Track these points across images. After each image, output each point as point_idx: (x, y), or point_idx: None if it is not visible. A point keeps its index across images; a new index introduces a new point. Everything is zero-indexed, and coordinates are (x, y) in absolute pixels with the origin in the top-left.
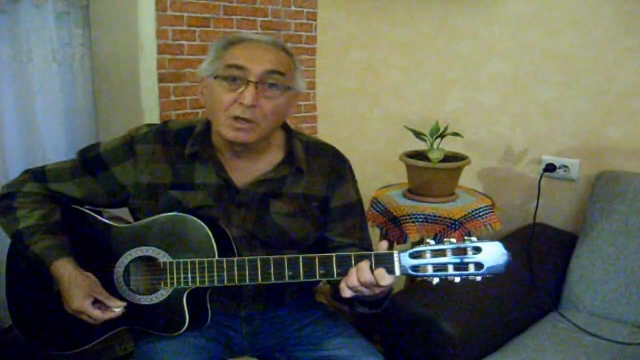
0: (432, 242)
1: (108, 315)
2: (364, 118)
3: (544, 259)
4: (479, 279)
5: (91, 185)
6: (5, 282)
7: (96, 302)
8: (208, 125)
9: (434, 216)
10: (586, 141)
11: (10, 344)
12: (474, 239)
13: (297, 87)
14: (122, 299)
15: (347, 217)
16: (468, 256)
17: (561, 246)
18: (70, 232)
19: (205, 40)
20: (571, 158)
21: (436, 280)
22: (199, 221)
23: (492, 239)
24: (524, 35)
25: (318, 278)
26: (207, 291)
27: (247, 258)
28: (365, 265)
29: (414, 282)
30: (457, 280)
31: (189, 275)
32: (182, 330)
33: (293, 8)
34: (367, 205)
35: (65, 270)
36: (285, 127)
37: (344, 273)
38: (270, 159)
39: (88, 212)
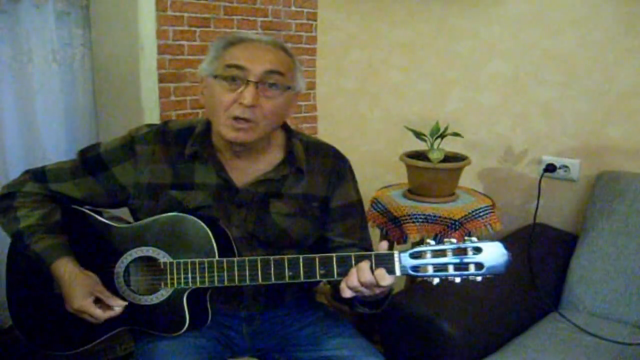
0: (432, 242)
1: (108, 314)
2: (364, 118)
3: (544, 259)
4: (479, 279)
5: (91, 185)
6: (5, 282)
7: (97, 301)
8: (208, 125)
9: (434, 216)
10: (586, 141)
11: (10, 344)
12: (474, 239)
13: (296, 87)
14: (122, 298)
15: (347, 217)
16: (468, 256)
17: (561, 246)
18: (70, 232)
19: (205, 40)
20: (571, 158)
21: (436, 280)
22: (199, 221)
23: (492, 239)
24: (524, 35)
25: (318, 278)
26: (207, 291)
27: (247, 258)
28: (365, 265)
29: (414, 282)
30: (457, 280)
31: (189, 275)
32: (182, 330)
33: (293, 8)
34: (367, 205)
35: (66, 269)
36: (285, 127)
37: (344, 273)
38: (270, 159)
39: (88, 212)
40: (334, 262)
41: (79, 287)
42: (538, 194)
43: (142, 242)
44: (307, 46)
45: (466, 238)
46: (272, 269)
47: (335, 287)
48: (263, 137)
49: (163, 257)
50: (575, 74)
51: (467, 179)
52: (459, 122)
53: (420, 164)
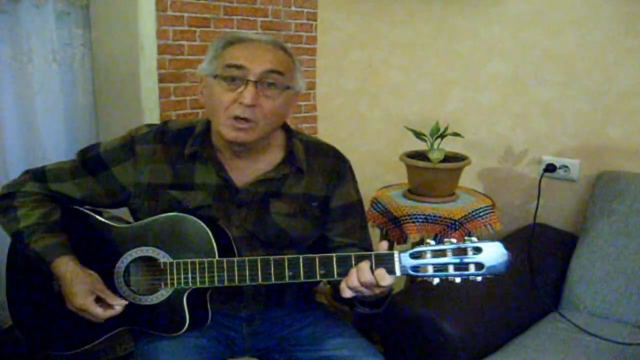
0: (432, 242)
1: (109, 313)
2: (364, 118)
3: (544, 259)
4: (479, 279)
5: (91, 185)
6: (5, 282)
7: (98, 300)
8: (208, 125)
9: (434, 216)
10: (586, 141)
11: (10, 344)
12: (474, 239)
13: (296, 87)
14: (122, 299)
15: (347, 217)
16: (468, 256)
17: (561, 246)
18: (70, 232)
19: (205, 40)
20: (571, 158)
21: (436, 280)
22: (199, 221)
23: (492, 239)
24: (524, 35)
25: (318, 278)
26: (207, 291)
27: (247, 258)
28: (365, 265)
29: (414, 282)
30: (457, 280)
31: (189, 275)
32: (183, 331)
33: (293, 8)
34: (367, 205)
35: (67, 267)
36: (285, 127)
37: (344, 273)
38: (270, 159)
39: (88, 212)
40: (334, 262)
41: (80, 286)
42: (538, 194)
43: (142, 242)
44: (307, 46)
45: (466, 238)
46: (272, 269)
47: (335, 287)
48: (263, 137)
49: (163, 257)
50: (575, 74)
51: (467, 179)
52: (459, 122)
53: (420, 164)
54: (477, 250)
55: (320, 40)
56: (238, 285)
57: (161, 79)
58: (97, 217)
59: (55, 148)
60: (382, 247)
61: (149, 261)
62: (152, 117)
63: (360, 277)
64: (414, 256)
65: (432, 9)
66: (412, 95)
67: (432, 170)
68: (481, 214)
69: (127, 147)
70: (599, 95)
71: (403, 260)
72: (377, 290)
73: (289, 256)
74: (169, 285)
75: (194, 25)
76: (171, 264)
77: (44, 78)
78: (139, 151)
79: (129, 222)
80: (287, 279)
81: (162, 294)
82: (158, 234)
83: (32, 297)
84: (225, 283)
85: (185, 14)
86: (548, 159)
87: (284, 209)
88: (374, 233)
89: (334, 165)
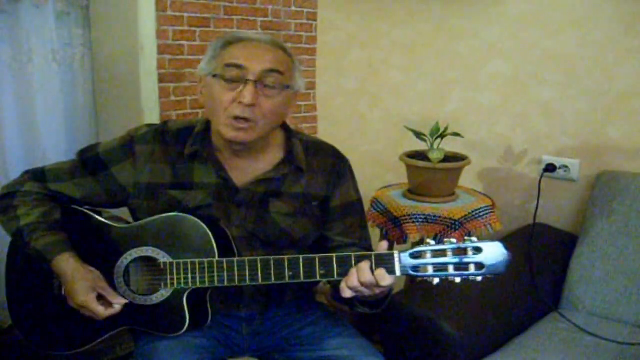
0: (432, 242)
1: (110, 312)
2: (364, 118)
3: (544, 259)
4: (479, 279)
5: (90, 186)
6: (5, 282)
7: (99, 298)
8: (207, 125)
9: (434, 216)
10: (586, 141)
11: (10, 344)
12: (474, 239)
13: (295, 86)
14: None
15: (347, 216)
16: (468, 256)
17: (561, 246)
18: (69, 232)
19: (205, 40)
20: (571, 158)
21: (436, 280)
22: (199, 221)
23: (492, 239)
24: (524, 35)
25: (318, 278)
26: (207, 291)
27: (247, 258)
28: (365, 265)
29: (414, 282)
30: (458, 280)
31: (189, 275)
32: (183, 331)
33: (293, 8)
34: (367, 205)
35: (68, 264)
36: (285, 127)
37: (344, 273)
38: (269, 158)
39: (88, 212)
40: (334, 262)
41: (82, 282)
42: (538, 194)
43: (141, 242)
44: (307, 46)
45: (466, 238)
46: (272, 269)
47: (335, 287)
48: (263, 137)
49: (163, 257)
50: (575, 74)
51: (467, 179)
52: (459, 122)
53: (420, 164)
54: (477, 250)
55: (320, 40)
56: (238, 285)
57: (161, 79)
58: (97, 217)
59: (55, 148)
60: (382, 247)
61: (149, 261)
62: (152, 117)
63: (361, 277)
64: (414, 256)
65: (432, 9)
66: (412, 95)
67: (432, 170)
68: (481, 214)
69: (127, 147)
70: (599, 95)
71: (403, 260)
72: (377, 291)
73: (289, 256)
74: (168, 286)
75: (194, 25)
76: (171, 264)
77: (44, 78)
78: (139, 151)
79: (128, 222)
80: (287, 279)
81: (162, 294)
82: (158, 234)
83: (32, 297)
84: (225, 283)
85: (185, 14)
86: (548, 159)
87: (284, 208)
88: (374, 233)
89: (334, 165)
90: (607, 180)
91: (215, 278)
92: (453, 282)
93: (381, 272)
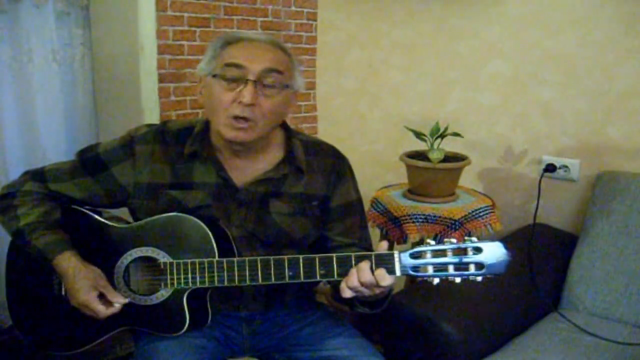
0: (432, 242)
1: (110, 311)
2: (364, 118)
3: (544, 259)
4: (479, 279)
5: (90, 186)
6: (5, 282)
7: (100, 297)
8: (207, 125)
9: (434, 216)
10: (586, 141)
11: (10, 344)
12: (474, 239)
13: (295, 86)
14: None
15: (346, 216)
16: (468, 256)
17: (561, 246)
18: (69, 232)
19: (205, 40)
20: (571, 158)
21: (436, 280)
22: (199, 221)
23: (492, 239)
24: (524, 35)
25: (318, 278)
26: (207, 291)
27: (247, 258)
28: (365, 265)
29: (414, 282)
30: (457, 280)
31: (189, 275)
32: (183, 331)
33: (293, 8)
34: (367, 205)
35: (70, 263)
36: (285, 127)
37: (344, 273)
38: (269, 158)
39: (87, 212)
40: (334, 262)
41: (83, 281)
42: (538, 194)
43: (141, 242)
44: (307, 46)
45: (466, 238)
46: (272, 269)
47: (335, 287)
48: (262, 136)
49: (163, 257)
50: (575, 74)
51: (467, 179)
52: (459, 122)
53: (420, 164)
54: (477, 250)
55: (320, 40)
56: (238, 285)
57: (161, 79)
58: (97, 217)
59: (55, 148)
60: (382, 247)
61: (149, 261)
62: (152, 117)
63: (361, 277)
64: (414, 256)
65: (432, 9)
66: (412, 95)
67: (432, 170)
68: (481, 214)
69: (127, 147)
70: (598, 95)
71: (403, 260)
72: (377, 290)
73: (289, 256)
74: (168, 286)
75: (194, 25)
76: (171, 264)
77: (44, 78)
78: (139, 151)
79: (128, 222)
80: (287, 279)
81: (162, 294)
82: (158, 234)
83: (32, 297)
84: (225, 283)
85: (185, 14)
86: (548, 159)
87: (284, 208)
88: (374, 233)
89: (334, 165)
90: (607, 180)
91: (215, 278)
92: (453, 282)
93: (381, 272)
